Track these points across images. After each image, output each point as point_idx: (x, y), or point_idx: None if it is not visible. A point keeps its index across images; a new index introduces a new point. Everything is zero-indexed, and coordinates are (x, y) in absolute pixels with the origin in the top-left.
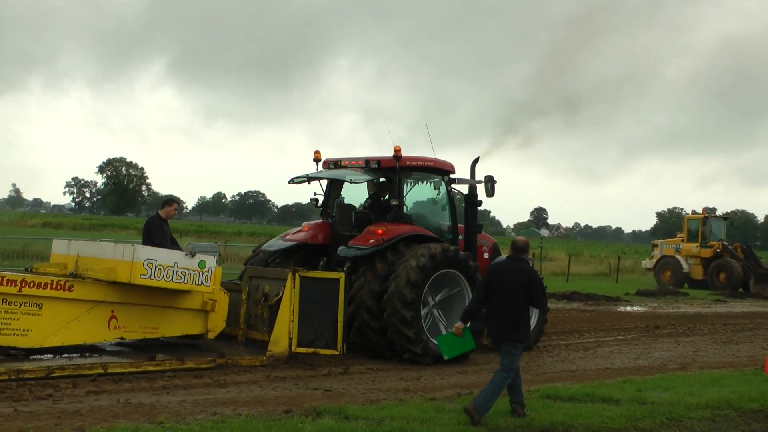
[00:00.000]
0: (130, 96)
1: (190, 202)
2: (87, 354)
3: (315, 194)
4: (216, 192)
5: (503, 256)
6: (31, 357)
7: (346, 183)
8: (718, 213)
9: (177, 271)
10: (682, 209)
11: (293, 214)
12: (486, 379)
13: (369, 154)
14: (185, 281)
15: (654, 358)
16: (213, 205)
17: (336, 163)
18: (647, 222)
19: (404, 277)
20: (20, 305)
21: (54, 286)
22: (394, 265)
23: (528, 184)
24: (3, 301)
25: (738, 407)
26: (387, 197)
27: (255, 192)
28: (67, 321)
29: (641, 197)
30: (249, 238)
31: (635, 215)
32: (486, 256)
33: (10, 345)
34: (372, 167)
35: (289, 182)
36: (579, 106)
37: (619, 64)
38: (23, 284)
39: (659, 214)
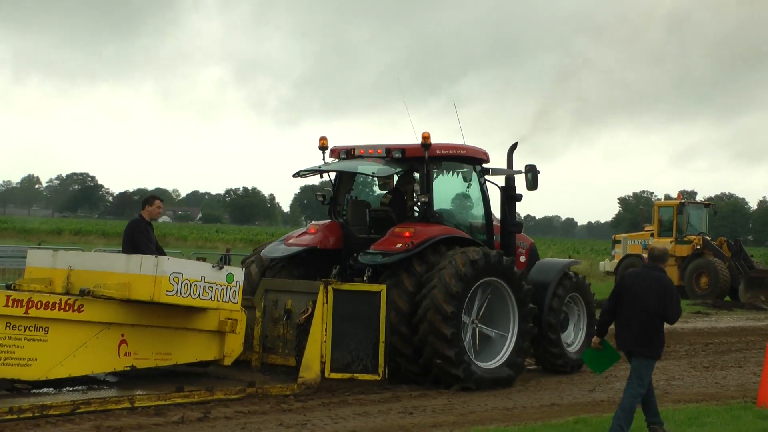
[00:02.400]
0: None
1: None
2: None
3: (321, 189)
4: (26, 175)
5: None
6: (32, 391)
7: (358, 177)
8: (699, 198)
9: (204, 287)
10: (652, 194)
11: (134, 203)
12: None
13: (247, 119)
14: (212, 298)
15: (615, 390)
16: (21, 193)
17: (348, 152)
18: (607, 211)
19: (442, 287)
20: (25, 330)
21: (62, 306)
22: (428, 273)
23: None
24: (6, 326)
25: None
26: (414, 192)
27: (82, 175)
28: (75, 348)
29: (600, 178)
30: (73, 237)
31: (592, 202)
32: (522, 259)
33: (14, 377)
34: (395, 157)
35: (294, 176)
36: (521, 56)
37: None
38: (30, 305)
39: (623, 201)
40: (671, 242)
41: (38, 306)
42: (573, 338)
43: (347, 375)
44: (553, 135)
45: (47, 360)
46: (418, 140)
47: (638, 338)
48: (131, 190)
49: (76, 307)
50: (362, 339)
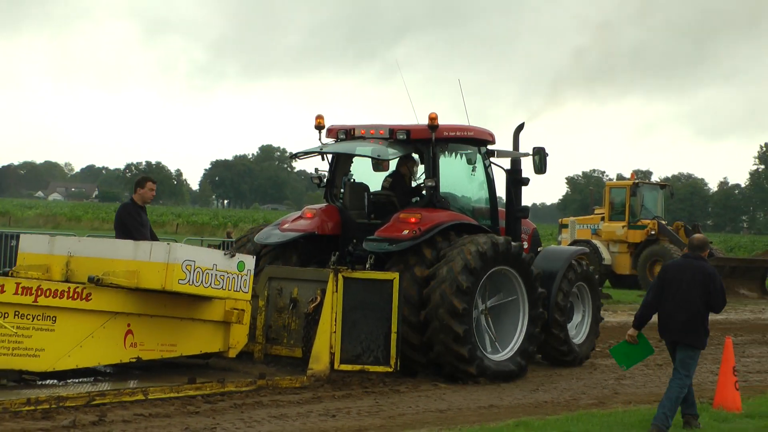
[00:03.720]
0: None
1: None
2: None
3: (317, 170)
4: None
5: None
6: (39, 383)
7: (356, 158)
8: (654, 179)
9: (216, 275)
10: (603, 173)
11: (19, 179)
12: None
13: (154, 84)
14: (223, 287)
15: (560, 390)
16: None
17: (348, 132)
18: (553, 192)
19: (452, 282)
20: (33, 319)
21: (71, 294)
22: (436, 261)
23: None
24: (15, 314)
25: None
26: (413, 175)
27: None
28: (82, 338)
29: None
30: None
31: (536, 181)
32: (525, 245)
33: (22, 368)
34: (399, 138)
35: (291, 157)
36: (464, 19)
37: None
38: (39, 292)
39: (571, 180)
40: (623, 227)
41: (47, 294)
42: (578, 330)
43: (357, 367)
44: (498, 106)
45: (55, 351)
46: (417, 119)
47: (684, 329)
48: (16, 163)
49: (84, 296)
50: (373, 329)
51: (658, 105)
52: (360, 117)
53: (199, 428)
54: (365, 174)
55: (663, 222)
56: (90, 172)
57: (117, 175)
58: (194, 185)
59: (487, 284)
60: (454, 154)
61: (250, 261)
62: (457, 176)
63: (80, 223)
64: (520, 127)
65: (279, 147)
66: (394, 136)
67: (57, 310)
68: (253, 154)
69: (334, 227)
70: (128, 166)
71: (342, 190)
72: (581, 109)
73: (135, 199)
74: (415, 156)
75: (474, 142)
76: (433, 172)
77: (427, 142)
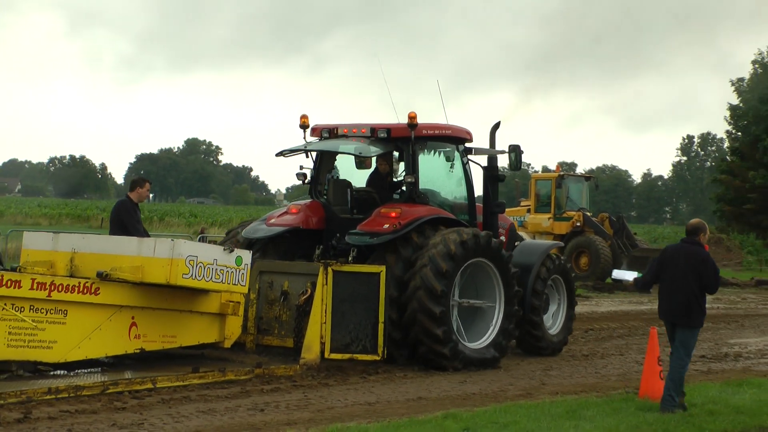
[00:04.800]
0: None
1: None
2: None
3: (301, 167)
4: None
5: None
6: (51, 373)
7: (339, 155)
8: (579, 170)
9: (216, 269)
10: (529, 165)
11: None
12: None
13: (79, 77)
14: (223, 280)
15: (487, 382)
16: None
17: (331, 131)
18: (478, 184)
19: (433, 265)
20: (46, 312)
21: (81, 289)
22: (416, 253)
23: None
24: (30, 308)
25: None
26: (393, 172)
27: None
28: (90, 330)
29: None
30: None
31: None
32: (503, 239)
33: (37, 359)
34: (380, 136)
35: (277, 155)
36: (393, 12)
37: None
38: (52, 287)
39: None
40: (549, 218)
41: (59, 289)
42: (554, 321)
43: (347, 355)
44: (426, 98)
45: (66, 342)
46: (398, 118)
47: (681, 310)
48: None
49: (93, 290)
50: (361, 320)
51: (583, 98)
52: (288, 111)
53: (126, 424)
54: (348, 171)
55: (588, 213)
56: (12, 166)
57: (40, 169)
58: (119, 179)
59: (464, 277)
60: (433, 151)
61: (247, 256)
62: (436, 173)
63: (2, 218)
64: (497, 126)
65: (205, 140)
66: (375, 134)
67: (68, 304)
68: (178, 148)
69: (318, 222)
70: (52, 160)
71: (326, 187)
72: (509, 102)
73: (131, 197)
74: (396, 153)
75: (452, 140)
76: (412, 168)
77: (406, 140)
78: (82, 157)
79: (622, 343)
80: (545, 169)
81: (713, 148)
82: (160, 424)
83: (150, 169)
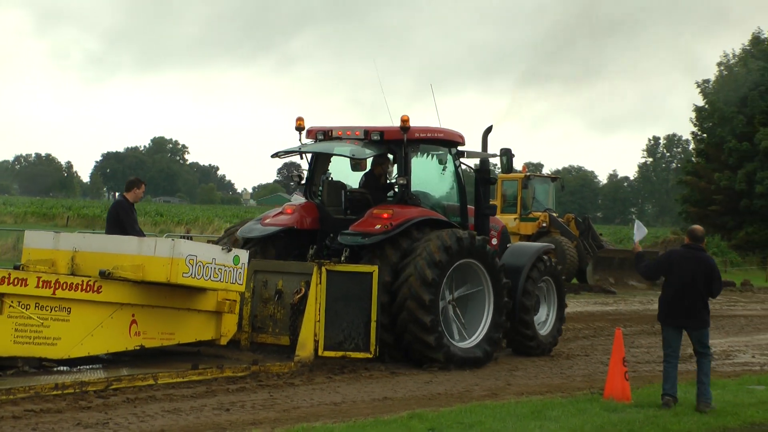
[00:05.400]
0: None
1: None
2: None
3: (297, 168)
4: None
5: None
6: (55, 369)
7: (333, 157)
8: (545, 171)
9: (215, 268)
10: (495, 165)
11: None
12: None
13: (46, 74)
14: (221, 279)
15: (453, 382)
16: None
17: (326, 133)
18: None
19: (418, 275)
20: (51, 310)
21: (84, 287)
22: (405, 257)
23: (279, 126)
24: (36, 306)
25: None
26: (387, 174)
27: None
28: (93, 327)
29: None
30: None
31: None
32: (495, 241)
33: (42, 356)
34: (373, 139)
35: (272, 156)
36: (362, 11)
37: None
38: (57, 286)
39: (464, 173)
40: (515, 219)
41: (64, 287)
42: (544, 321)
43: (340, 353)
44: (393, 98)
45: (70, 339)
46: (394, 122)
47: (691, 314)
48: None
49: (95, 288)
50: (354, 318)
51: (551, 98)
52: (255, 110)
53: (91, 423)
54: (342, 172)
55: (554, 214)
56: None
57: (6, 167)
58: (85, 177)
59: (453, 276)
60: (425, 154)
61: (244, 255)
62: (428, 175)
63: None
64: (489, 130)
65: (171, 139)
66: (369, 137)
67: (72, 302)
68: (145, 146)
69: (312, 222)
70: (17, 158)
71: (321, 188)
72: (476, 101)
73: (128, 197)
74: (390, 156)
75: (444, 143)
76: (405, 170)
77: (399, 142)
78: (48, 156)
79: (587, 344)
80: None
81: (679, 149)
82: (125, 424)
83: (116, 167)
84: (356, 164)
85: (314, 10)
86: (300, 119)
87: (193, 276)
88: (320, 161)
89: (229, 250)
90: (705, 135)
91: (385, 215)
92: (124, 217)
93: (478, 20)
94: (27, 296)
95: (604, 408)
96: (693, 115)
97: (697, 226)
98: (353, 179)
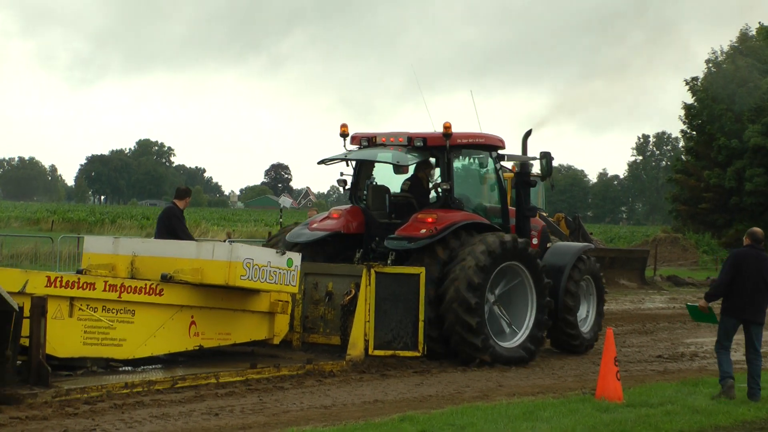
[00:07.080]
0: None
1: None
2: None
3: (342, 174)
4: None
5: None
6: (120, 369)
7: (377, 163)
8: (536, 170)
9: (270, 271)
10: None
11: None
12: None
13: (32, 76)
14: (276, 281)
15: (444, 384)
16: None
17: (370, 140)
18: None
19: (464, 279)
20: (116, 312)
21: (147, 290)
22: (451, 261)
23: (266, 127)
24: (103, 309)
25: None
26: (429, 178)
27: None
28: (155, 328)
29: None
30: None
31: None
32: (535, 241)
33: (109, 356)
34: (416, 145)
35: (318, 163)
36: (353, 12)
37: None
38: (122, 289)
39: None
40: None
41: (129, 290)
42: (585, 318)
43: (389, 352)
44: (385, 99)
45: (134, 340)
46: (434, 126)
47: (757, 309)
48: None
49: (158, 291)
50: (402, 318)
51: (542, 97)
52: (243, 111)
53: (77, 430)
54: (386, 177)
55: (544, 213)
56: None
57: None
58: (69, 181)
59: (497, 278)
60: (467, 158)
61: (297, 258)
62: (470, 179)
63: None
64: (528, 133)
65: (157, 141)
66: (412, 143)
67: (136, 304)
68: (130, 149)
69: (358, 226)
70: (0, 162)
71: (365, 193)
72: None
73: (179, 205)
74: (432, 161)
75: (485, 148)
76: (447, 175)
77: (442, 148)
78: (32, 159)
79: None
80: None
81: (668, 147)
82: (112, 430)
83: (101, 170)
84: (398, 169)
85: (303, 11)
86: (344, 126)
87: (249, 278)
88: (365, 167)
89: (283, 253)
90: (694, 133)
91: (430, 219)
92: (176, 223)
93: (466, 20)
94: (95, 299)
95: (595, 408)
96: (682, 112)
97: (758, 229)
98: (396, 182)
